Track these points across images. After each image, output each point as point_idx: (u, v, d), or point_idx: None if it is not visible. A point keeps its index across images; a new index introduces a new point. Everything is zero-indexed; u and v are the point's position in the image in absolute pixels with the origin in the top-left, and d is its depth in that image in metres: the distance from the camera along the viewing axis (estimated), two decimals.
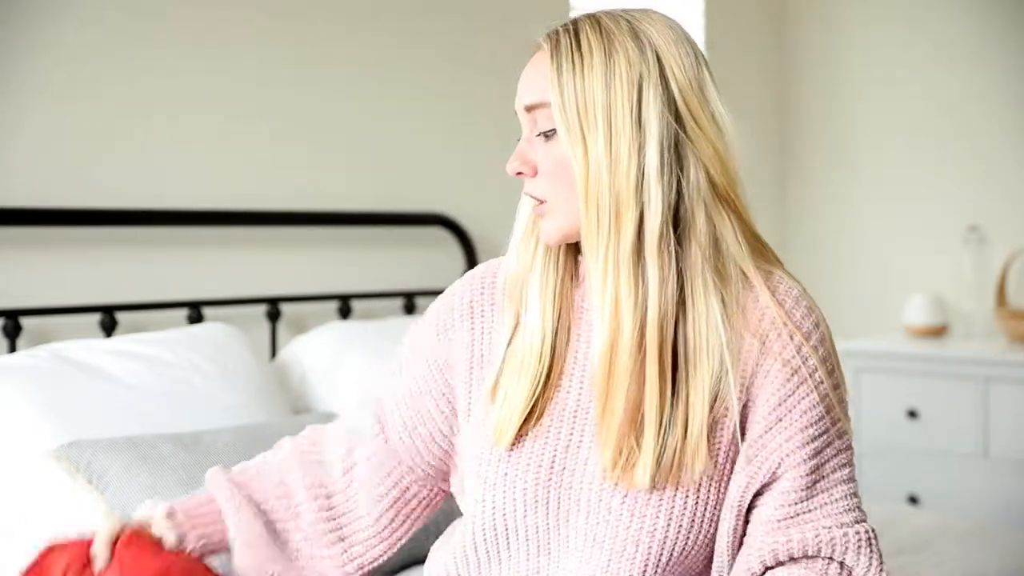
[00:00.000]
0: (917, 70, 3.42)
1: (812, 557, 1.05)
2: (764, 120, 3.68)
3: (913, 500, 3.05)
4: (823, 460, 1.06)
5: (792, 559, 1.04)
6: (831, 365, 1.08)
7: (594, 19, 1.08)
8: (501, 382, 1.12)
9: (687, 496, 1.04)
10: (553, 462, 1.08)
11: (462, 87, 2.73)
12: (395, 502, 1.22)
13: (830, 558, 1.05)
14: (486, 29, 2.77)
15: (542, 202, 1.08)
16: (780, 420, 1.05)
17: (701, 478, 1.04)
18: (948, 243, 3.34)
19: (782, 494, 1.05)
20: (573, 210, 1.07)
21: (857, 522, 1.06)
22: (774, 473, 1.05)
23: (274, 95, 2.38)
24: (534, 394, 1.09)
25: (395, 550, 1.23)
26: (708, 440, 1.03)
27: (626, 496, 1.04)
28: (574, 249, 1.14)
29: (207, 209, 2.22)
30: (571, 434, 1.09)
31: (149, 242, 2.16)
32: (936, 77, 3.38)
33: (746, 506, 1.07)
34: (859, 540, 1.05)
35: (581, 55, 1.05)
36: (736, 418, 1.05)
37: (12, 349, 1.91)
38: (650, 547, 1.04)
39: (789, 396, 1.05)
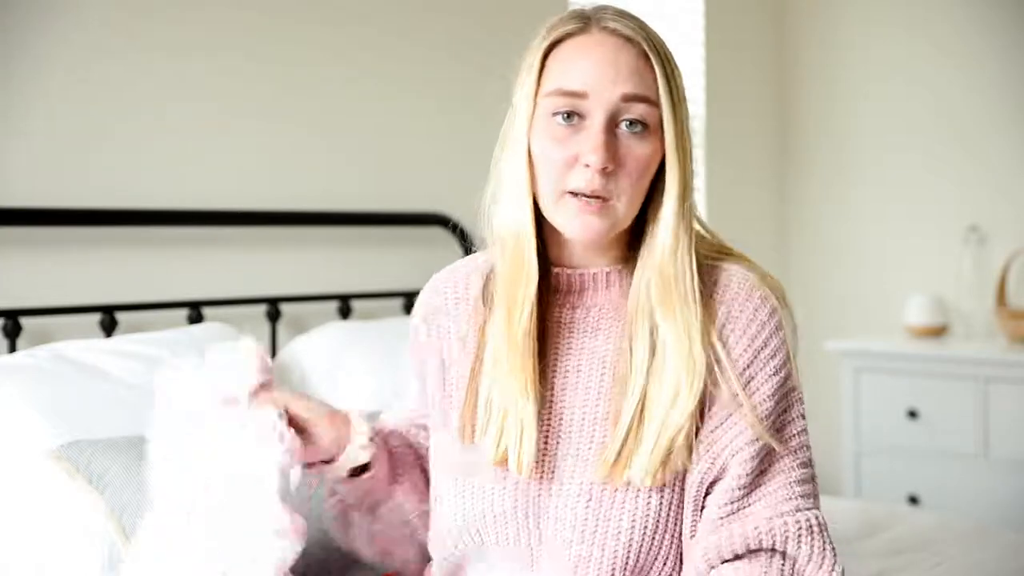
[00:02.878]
0: (917, 70, 3.42)
1: (755, 551, 1.04)
2: (764, 120, 3.68)
3: (913, 500, 3.05)
4: (766, 453, 1.06)
5: (736, 556, 1.04)
6: (783, 358, 1.08)
7: (643, 22, 1.11)
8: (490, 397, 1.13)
9: (650, 497, 1.05)
10: (530, 471, 1.09)
11: (462, 86, 2.73)
12: None
13: (772, 550, 1.04)
14: (487, 28, 2.77)
15: (607, 200, 1.06)
16: (730, 415, 1.05)
17: (673, 478, 1.06)
18: (948, 243, 3.34)
19: (724, 492, 1.05)
20: (633, 210, 1.08)
21: (799, 510, 1.04)
22: (722, 469, 1.05)
23: (274, 95, 2.38)
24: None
25: None
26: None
27: (590, 500, 1.06)
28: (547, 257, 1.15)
29: (207, 209, 2.22)
30: (546, 441, 1.10)
31: (149, 242, 2.16)
32: (936, 77, 3.38)
33: (702, 503, 1.07)
34: (799, 528, 1.03)
35: (669, 60, 1.08)
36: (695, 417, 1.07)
37: (12, 349, 1.91)
38: (615, 550, 1.05)
39: (744, 386, 1.06)
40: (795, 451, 1.07)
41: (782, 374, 1.07)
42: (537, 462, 1.09)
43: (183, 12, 2.22)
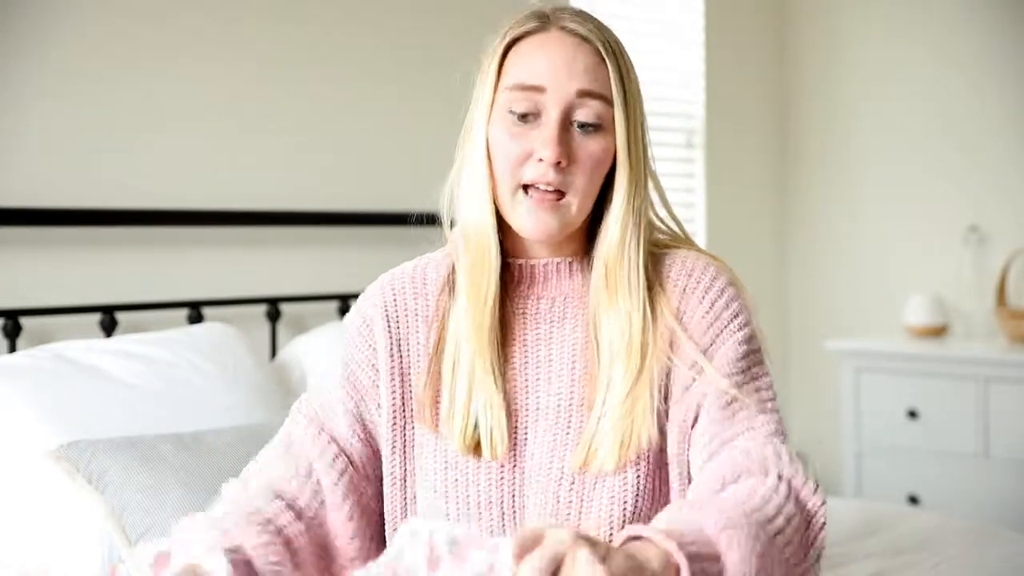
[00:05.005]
0: (917, 70, 3.42)
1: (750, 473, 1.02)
2: (764, 121, 3.68)
3: (913, 500, 3.05)
4: (736, 400, 1.07)
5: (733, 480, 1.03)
6: (744, 318, 1.10)
7: (601, 24, 1.13)
8: (451, 394, 1.11)
9: (626, 472, 1.07)
10: (503, 463, 1.10)
11: (462, 86, 2.72)
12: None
13: (765, 472, 1.01)
14: (488, 28, 2.77)
15: (562, 193, 1.08)
16: (695, 379, 1.07)
17: (639, 455, 1.07)
18: (948, 243, 3.34)
19: (702, 433, 1.06)
20: (586, 206, 1.10)
21: (783, 444, 1.05)
22: (696, 417, 1.07)
23: (274, 95, 2.38)
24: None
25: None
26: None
27: (573, 484, 1.07)
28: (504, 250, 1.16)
29: (207, 209, 2.22)
30: (515, 432, 1.11)
31: (149, 242, 2.16)
32: (936, 77, 3.38)
33: (687, 458, 1.08)
34: (790, 454, 1.03)
35: (624, 61, 1.10)
36: (659, 399, 1.08)
37: (12, 349, 1.91)
38: (599, 530, 1.06)
39: (706, 348, 1.08)
40: (765, 402, 1.08)
41: (746, 331, 1.10)
42: (513, 451, 1.10)
43: (182, 14, 2.22)
